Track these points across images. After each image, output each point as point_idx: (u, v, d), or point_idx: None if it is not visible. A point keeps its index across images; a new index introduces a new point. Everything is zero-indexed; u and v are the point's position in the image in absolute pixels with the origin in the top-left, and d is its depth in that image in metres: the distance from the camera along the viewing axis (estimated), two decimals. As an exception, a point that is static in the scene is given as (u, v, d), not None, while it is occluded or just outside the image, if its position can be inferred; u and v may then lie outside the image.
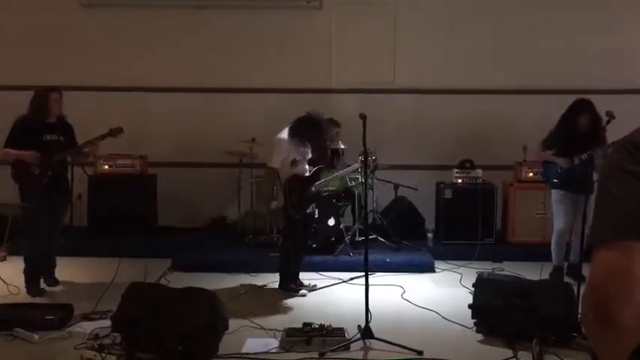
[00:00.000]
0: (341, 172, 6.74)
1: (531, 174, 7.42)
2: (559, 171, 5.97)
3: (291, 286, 5.84)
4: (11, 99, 6.67)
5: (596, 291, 1.16)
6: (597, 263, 1.17)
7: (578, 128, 5.85)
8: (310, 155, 5.80)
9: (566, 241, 6.11)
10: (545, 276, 5.98)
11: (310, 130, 5.63)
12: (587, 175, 5.32)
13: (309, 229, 6.12)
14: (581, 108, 5.88)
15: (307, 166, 5.81)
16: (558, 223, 6.08)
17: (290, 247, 5.84)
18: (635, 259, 1.14)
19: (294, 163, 5.66)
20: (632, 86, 7.83)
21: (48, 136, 5.65)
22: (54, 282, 5.91)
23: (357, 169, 6.54)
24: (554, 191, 6.11)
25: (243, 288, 5.99)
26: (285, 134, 5.66)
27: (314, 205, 6.06)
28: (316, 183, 5.88)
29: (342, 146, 7.30)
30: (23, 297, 5.54)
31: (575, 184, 5.75)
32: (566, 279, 5.83)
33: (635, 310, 1.12)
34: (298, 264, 5.95)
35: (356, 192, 7.30)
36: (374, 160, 6.54)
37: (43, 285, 5.80)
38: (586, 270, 4.83)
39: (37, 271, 5.79)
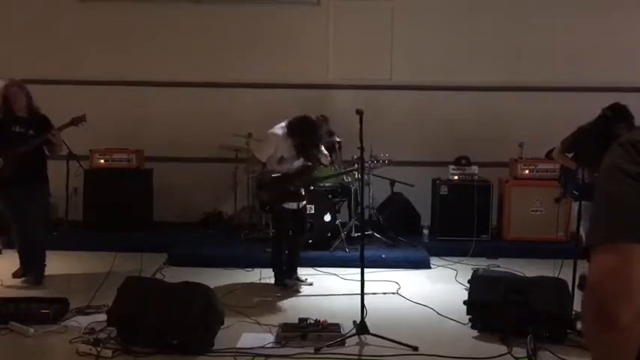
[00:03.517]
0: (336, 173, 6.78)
1: (527, 171, 7.45)
2: (580, 182, 5.24)
3: (286, 282, 5.84)
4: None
5: (595, 292, 1.16)
6: (596, 264, 1.17)
7: (612, 138, 5.21)
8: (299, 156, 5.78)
9: None
10: (540, 272, 5.98)
11: (306, 129, 5.59)
12: None
13: (300, 224, 6.07)
14: (619, 115, 5.28)
15: (296, 163, 5.76)
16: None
17: (276, 241, 5.89)
18: (634, 259, 1.13)
19: (281, 160, 5.64)
20: (631, 84, 7.80)
21: (17, 128, 5.61)
22: (36, 280, 5.73)
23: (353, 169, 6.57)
24: (577, 202, 5.32)
25: (239, 283, 5.99)
26: (277, 129, 5.63)
27: (303, 202, 5.96)
28: (298, 181, 5.78)
29: (338, 139, 7.29)
30: (9, 291, 5.52)
31: None
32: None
33: (635, 310, 1.12)
34: (292, 259, 5.95)
35: (352, 188, 7.30)
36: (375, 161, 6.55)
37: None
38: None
39: (21, 259, 5.84)
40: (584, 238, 5.30)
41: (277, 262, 5.89)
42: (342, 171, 6.95)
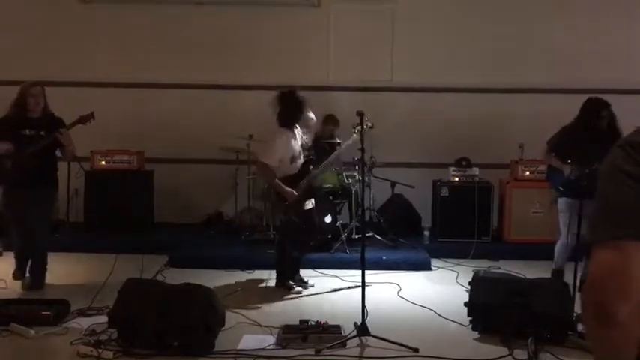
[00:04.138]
0: (333, 155, 6.69)
1: (528, 172, 7.45)
2: (565, 179, 5.33)
3: (288, 283, 5.84)
4: (8, 94, 6.64)
5: (595, 288, 1.18)
6: (596, 261, 1.20)
7: (596, 132, 5.25)
8: (303, 138, 5.80)
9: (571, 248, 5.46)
10: (541, 274, 5.99)
11: (292, 108, 5.64)
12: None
13: (312, 229, 5.95)
14: (599, 109, 5.36)
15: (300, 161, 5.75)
16: (563, 234, 5.53)
17: (287, 246, 5.83)
18: (633, 257, 1.16)
19: (292, 160, 5.65)
20: (632, 86, 7.80)
21: (28, 131, 5.57)
22: (38, 284, 5.69)
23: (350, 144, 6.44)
24: (560, 200, 5.54)
25: (240, 284, 6.00)
26: (281, 131, 5.65)
27: (312, 200, 5.96)
28: (309, 175, 5.79)
29: (339, 141, 7.28)
30: (10, 292, 5.52)
31: (585, 191, 4.89)
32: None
33: (631, 307, 1.14)
34: (297, 263, 5.94)
35: (353, 189, 7.30)
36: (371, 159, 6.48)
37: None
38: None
39: (20, 262, 5.80)
40: (564, 232, 5.42)
41: (281, 264, 5.88)
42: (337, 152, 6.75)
